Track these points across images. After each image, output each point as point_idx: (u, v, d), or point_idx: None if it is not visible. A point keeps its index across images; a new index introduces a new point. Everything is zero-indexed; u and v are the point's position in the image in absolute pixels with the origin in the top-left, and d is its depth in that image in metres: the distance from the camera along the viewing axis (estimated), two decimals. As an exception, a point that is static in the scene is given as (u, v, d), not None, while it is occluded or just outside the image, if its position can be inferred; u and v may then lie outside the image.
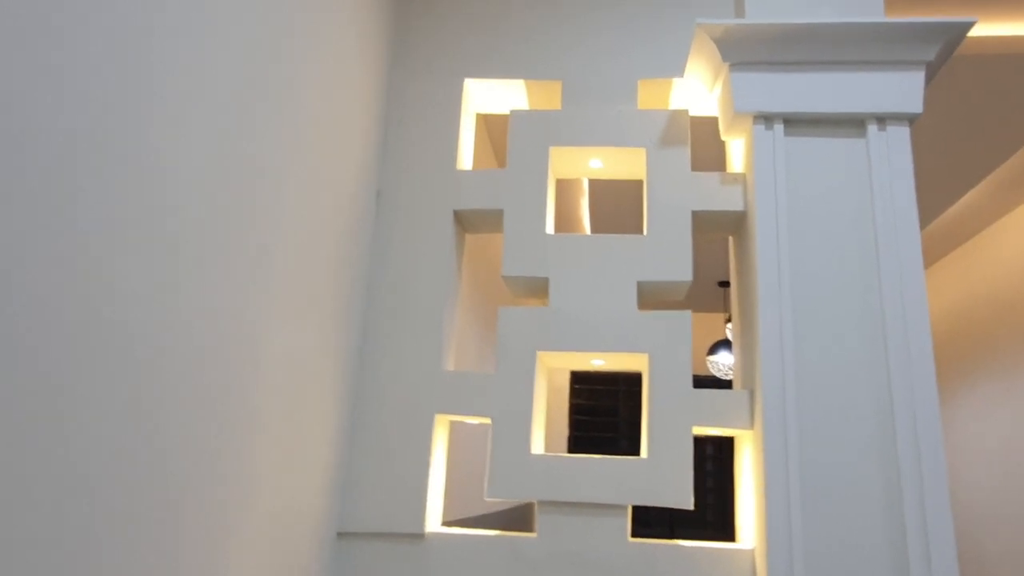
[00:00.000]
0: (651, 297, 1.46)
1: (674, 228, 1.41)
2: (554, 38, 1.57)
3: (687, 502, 1.26)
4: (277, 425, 1.06)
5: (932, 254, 4.26)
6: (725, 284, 4.68)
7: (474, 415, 1.36)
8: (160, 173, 0.76)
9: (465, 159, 1.57)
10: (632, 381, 5.92)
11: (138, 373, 0.73)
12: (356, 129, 1.36)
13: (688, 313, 1.36)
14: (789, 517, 1.15)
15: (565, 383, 5.82)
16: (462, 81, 1.56)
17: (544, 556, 1.27)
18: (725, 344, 4.15)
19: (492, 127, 2.63)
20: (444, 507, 1.50)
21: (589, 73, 1.54)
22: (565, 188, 3.29)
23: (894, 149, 1.31)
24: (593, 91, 1.53)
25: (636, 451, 5.46)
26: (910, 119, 1.31)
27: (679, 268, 1.38)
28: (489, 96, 1.64)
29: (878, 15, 1.40)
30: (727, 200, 1.40)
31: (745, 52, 1.33)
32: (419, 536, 1.31)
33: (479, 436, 2.78)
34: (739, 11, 1.49)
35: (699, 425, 1.30)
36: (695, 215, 1.42)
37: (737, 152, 1.48)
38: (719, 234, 1.51)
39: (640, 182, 3.04)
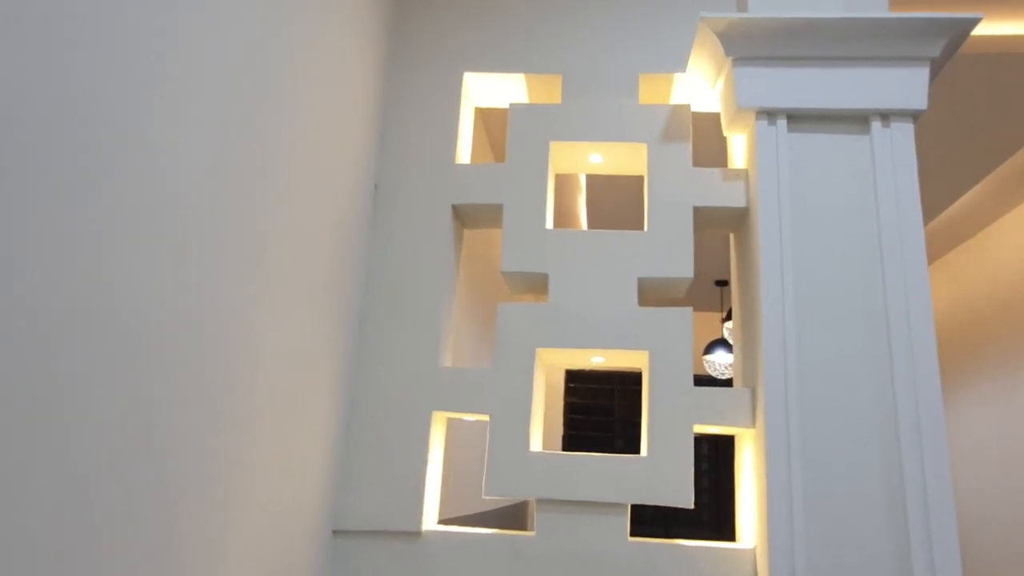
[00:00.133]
0: (651, 294, 1.44)
1: (675, 224, 1.39)
2: (554, 32, 1.55)
3: (687, 501, 1.24)
4: (272, 421, 1.04)
5: (930, 253, 4.26)
6: (722, 283, 4.67)
7: (472, 412, 1.35)
8: (155, 165, 0.74)
9: (464, 153, 1.55)
10: (627, 380, 5.92)
11: (131, 368, 0.71)
12: (354, 122, 1.34)
13: (689, 310, 1.35)
14: (791, 516, 1.13)
15: (560, 382, 5.81)
16: (461, 74, 1.54)
17: (543, 555, 1.25)
18: (721, 343, 4.14)
19: (489, 122, 2.61)
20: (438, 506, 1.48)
21: (590, 67, 1.52)
22: (561, 185, 3.27)
23: (898, 146, 1.29)
24: (594, 85, 1.51)
25: (631, 450, 5.46)
26: (914, 116, 1.30)
27: (680, 264, 1.37)
28: (488, 90, 1.62)
29: (882, 10, 1.39)
30: (729, 196, 1.39)
31: (748, 46, 1.32)
32: (416, 534, 1.29)
33: (470, 434, 2.77)
34: (741, 5, 1.47)
35: (700, 423, 1.29)
36: (696, 211, 1.40)
37: (739, 148, 1.47)
38: (720, 231, 1.49)
39: (639, 179, 3.03)
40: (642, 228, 1.41)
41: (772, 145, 1.31)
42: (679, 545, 1.25)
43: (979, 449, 3.75)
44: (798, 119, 1.33)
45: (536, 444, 1.35)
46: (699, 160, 1.63)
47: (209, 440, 0.87)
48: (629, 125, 1.47)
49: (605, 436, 5.81)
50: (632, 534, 1.25)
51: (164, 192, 0.76)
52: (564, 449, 5.43)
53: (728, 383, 4.53)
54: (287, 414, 1.09)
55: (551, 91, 1.58)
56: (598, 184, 3.30)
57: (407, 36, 1.58)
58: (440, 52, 1.56)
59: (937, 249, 4.20)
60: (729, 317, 3.71)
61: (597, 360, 1.48)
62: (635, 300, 1.36)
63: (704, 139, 1.89)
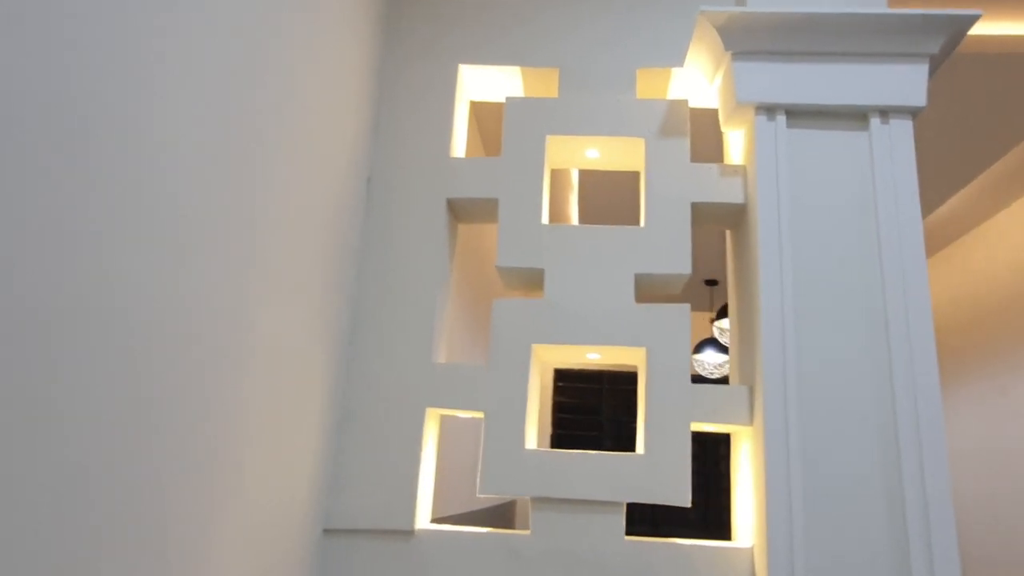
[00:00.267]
0: (647, 291, 1.43)
1: (673, 220, 1.38)
2: (551, 25, 1.54)
3: (685, 499, 1.23)
4: (262, 417, 1.01)
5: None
6: (711, 282, 4.68)
7: (466, 409, 1.33)
8: (146, 162, 0.71)
9: (459, 147, 1.53)
10: (615, 379, 5.92)
11: (119, 364, 0.69)
12: (347, 115, 1.32)
13: (687, 306, 1.33)
14: (791, 515, 1.12)
15: (548, 381, 5.80)
16: (456, 67, 1.52)
17: (538, 554, 1.23)
18: (711, 343, 4.14)
19: (480, 116, 2.58)
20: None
21: (587, 61, 1.50)
22: (552, 183, 3.26)
23: (897, 143, 1.29)
24: (591, 79, 1.49)
25: (619, 449, 5.45)
26: (913, 113, 1.29)
27: (678, 260, 1.35)
28: (484, 83, 1.60)
29: (882, 6, 1.39)
30: (727, 192, 1.38)
31: (748, 41, 1.31)
32: (409, 533, 1.27)
33: (456, 431, 2.75)
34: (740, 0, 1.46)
35: (697, 421, 1.27)
36: (694, 207, 1.39)
37: (736, 144, 1.46)
38: (717, 227, 1.48)
39: (631, 177, 3.02)
40: (635, 226, 1.39)
41: (771, 141, 1.30)
42: (676, 544, 1.24)
43: (962, 450, 3.77)
44: (797, 115, 1.32)
45: (531, 442, 1.33)
46: (694, 157, 1.62)
47: (198, 437, 0.84)
48: (626, 120, 1.45)
49: (593, 436, 5.81)
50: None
51: (154, 188, 0.73)
52: (553, 448, 5.42)
53: (718, 383, 4.54)
54: (278, 410, 1.06)
55: (547, 85, 1.57)
56: (589, 181, 3.29)
57: (402, 27, 1.55)
58: (435, 44, 1.54)
59: (929, 247, 4.22)
60: (719, 316, 3.71)
61: (593, 357, 1.46)
62: (632, 296, 1.35)
63: (698, 136, 1.88)
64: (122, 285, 0.68)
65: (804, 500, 1.13)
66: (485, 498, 3.58)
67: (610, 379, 5.91)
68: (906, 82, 1.29)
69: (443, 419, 1.53)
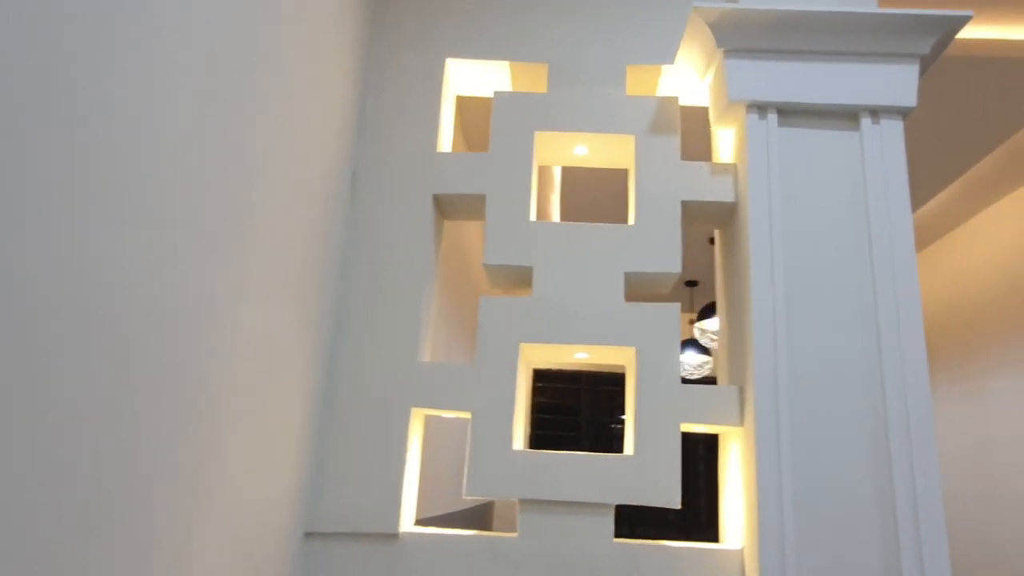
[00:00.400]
0: (636, 289, 1.41)
1: (663, 218, 1.36)
2: (540, 19, 1.51)
3: (675, 501, 1.21)
4: (243, 417, 0.98)
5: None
6: (691, 283, 4.69)
7: (452, 409, 1.30)
8: (127, 154, 0.68)
9: (445, 142, 1.50)
10: (594, 380, 5.92)
11: (97, 361, 0.65)
12: (332, 109, 1.28)
13: (677, 305, 1.32)
14: (781, 516, 1.11)
15: (527, 380, 5.77)
16: (443, 61, 1.49)
17: (525, 557, 1.21)
18: (692, 344, 4.15)
19: (464, 111, 2.55)
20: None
21: (576, 57, 1.48)
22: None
23: (887, 143, 1.28)
24: (580, 75, 1.47)
25: (598, 450, 5.45)
26: (904, 113, 1.29)
27: (668, 259, 1.34)
28: (471, 78, 1.57)
29: (872, 6, 1.38)
30: (718, 191, 1.36)
31: (740, 38, 1.30)
32: (393, 536, 1.23)
33: (439, 431, 2.71)
34: (731, -2, 1.45)
35: (687, 422, 1.26)
36: (684, 205, 1.37)
37: (726, 142, 1.44)
38: (707, 226, 1.47)
39: (615, 175, 3.01)
40: (623, 224, 1.37)
41: (763, 139, 1.29)
42: (665, 546, 1.22)
43: (950, 446, 3.79)
44: (788, 113, 1.31)
45: (519, 443, 1.30)
46: (683, 155, 1.61)
47: (177, 436, 0.81)
48: (616, 116, 1.43)
49: (571, 436, 5.80)
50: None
51: (135, 180, 0.69)
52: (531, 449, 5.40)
53: (699, 383, 4.55)
54: (258, 409, 1.02)
55: (535, 81, 1.54)
56: (573, 180, 3.27)
57: (388, 21, 1.52)
58: (422, 37, 1.51)
59: (916, 244, 4.27)
60: (700, 317, 3.72)
61: (581, 356, 1.44)
62: (622, 295, 1.33)
63: (686, 134, 1.87)
64: (102, 283, 0.65)
65: (795, 501, 1.12)
66: (464, 499, 3.55)
67: (589, 379, 5.91)
68: (897, 82, 1.29)
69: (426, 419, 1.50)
